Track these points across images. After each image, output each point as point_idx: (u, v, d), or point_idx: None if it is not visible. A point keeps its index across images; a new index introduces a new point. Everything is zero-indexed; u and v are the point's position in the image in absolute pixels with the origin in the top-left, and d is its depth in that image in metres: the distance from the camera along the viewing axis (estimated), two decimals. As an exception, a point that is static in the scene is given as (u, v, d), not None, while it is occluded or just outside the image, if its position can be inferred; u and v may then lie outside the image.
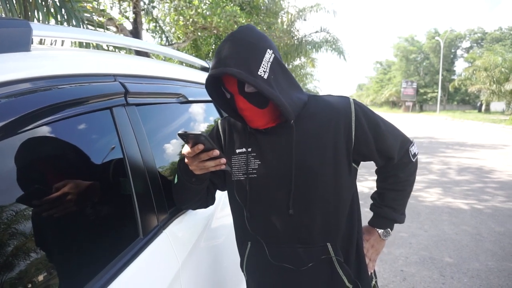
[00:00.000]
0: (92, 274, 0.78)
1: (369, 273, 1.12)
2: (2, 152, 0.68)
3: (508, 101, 23.09)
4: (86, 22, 3.65)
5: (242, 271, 1.14)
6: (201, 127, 1.62)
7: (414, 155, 1.12)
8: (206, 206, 1.17)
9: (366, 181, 6.16)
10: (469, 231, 3.91)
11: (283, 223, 1.01)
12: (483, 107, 36.52)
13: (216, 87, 1.03)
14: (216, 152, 0.88)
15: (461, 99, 44.96)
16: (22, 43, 0.80)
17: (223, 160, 0.90)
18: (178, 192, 1.08)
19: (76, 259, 0.78)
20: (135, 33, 6.66)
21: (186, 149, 0.90)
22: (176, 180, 1.06)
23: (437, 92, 38.01)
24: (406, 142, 1.10)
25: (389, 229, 1.17)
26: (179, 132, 0.85)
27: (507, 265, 3.08)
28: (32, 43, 0.81)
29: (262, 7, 9.71)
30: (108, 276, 0.79)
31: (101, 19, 5.51)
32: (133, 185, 0.97)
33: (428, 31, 47.26)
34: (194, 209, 1.20)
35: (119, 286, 0.79)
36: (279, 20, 10.27)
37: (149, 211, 1.01)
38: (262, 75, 0.91)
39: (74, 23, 3.14)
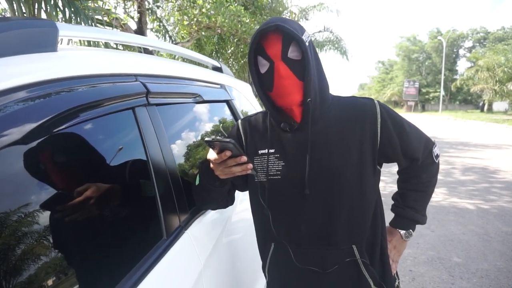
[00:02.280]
0: (120, 277, 0.77)
1: (392, 274, 1.11)
2: (32, 155, 0.67)
3: (511, 101, 23.03)
4: (95, 21, 3.65)
5: (264, 273, 1.12)
6: (217, 127, 1.62)
7: (437, 156, 1.11)
8: (225, 207, 1.17)
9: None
10: (476, 231, 3.90)
11: (308, 226, 1.00)
12: (486, 107, 36.45)
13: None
14: (244, 158, 0.87)
15: (464, 98, 44.87)
16: (49, 44, 0.79)
17: (250, 166, 0.89)
18: (200, 193, 1.07)
19: (104, 262, 0.78)
20: (140, 32, 6.65)
21: (213, 155, 0.89)
22: (197, 182, 1.05)
23: (439, 91, 37.93)
24: (429, 143, 1.10)
25: (411, 230, 1.16)
26: (207, 139, 0.84)
27: (516, 266, 3.07)
28: (60, 44, 0.81)
29: (266, 7, 9.71)
30: (136, 278, 0.79)
31: (106, 18, 5.52)
32: (156, 185, 0.97)
33: (430, 31, 47.18)
34: (214, 209, 1.20)
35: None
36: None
37: (171, 212, 1.01)
38: (306, 42, 0.93)
39: (83, 23, 3.14)
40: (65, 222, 0.72)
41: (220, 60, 10.82)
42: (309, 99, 0.95)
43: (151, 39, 1.32)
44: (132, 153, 0.97)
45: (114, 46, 3.87)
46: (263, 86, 0.98)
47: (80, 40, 3.25)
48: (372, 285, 1.00)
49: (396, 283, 1.12)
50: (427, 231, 3.84)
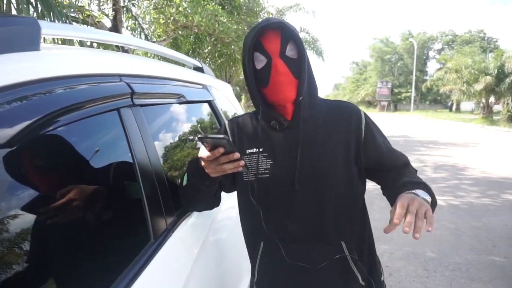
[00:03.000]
0: (108, 283, 0.76)
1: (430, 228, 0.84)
2: (14, 158, 0.65)
3: (477, 101, 24.07)
4: (70, 18, 3.53)
5: (253, 272, 1.12)
6: (195, 127, 1.61)
7: (415, 170, 1.12)
8: (212, 208, 1.16)
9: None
10: (448, 226, 4.06)
11: (297, 223, 1.01)
12: (454, 107, 37.95)
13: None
14: (237, 155, 0.87)
15: (433, 99, 46.50)
16: (31, 42, 0.77)
17: (242, 163, 0.89)
18: (188, 194, 1.06)
19: (91, 268, 0.76)
20: (115, 30, 6.48)
21: (205, 152, 0.89)
22: (185, 182, 1.04)
23: (411, 92, 39.16)
24: (406, 157, 1.12)
25: (424, 191, 0.92)
26: (200, 136, 0.83)
27: (485, 258, 3.22)
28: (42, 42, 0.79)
29: (243, 7, 9.71)
30: (125, 284, 0.77)
31: (80, 16, 5.35)
32: (143, 187, 0.95)
33: (402, 33, 48.70)
34: (200, 211, 1.19)
35: (135, 291, 0.78)
36: (260, 20, 10.28)
37: (158, 214, 0.99)
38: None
39: (56, 20, 3.03)
40: (47, 226, 0.70)
41: (197, 59, 10.71)
42: (301, 98, 0.98)
43: (137, 39, 1.30)
44: (118, 155, 0.95)
45: (89, 44, 3.75)
46: (257, 82, 1.00)
47: (53, 39, 3.14)
48: (360, 280, 1.03)
49: (382, 278, 1.15)
50: (402, 227, 3.96)
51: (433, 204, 0.95)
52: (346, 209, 1.02)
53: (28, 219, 0.65)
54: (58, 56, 0.85)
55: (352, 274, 1.02)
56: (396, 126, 19.33)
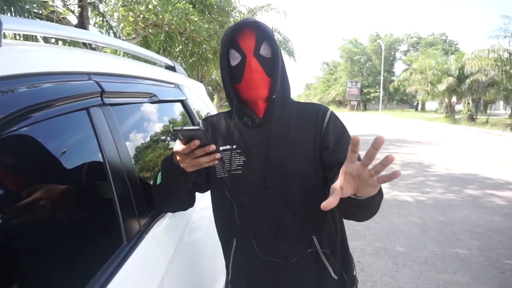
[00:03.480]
0: (80, 286, 0.73)
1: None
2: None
3: (440, 100, 25.19)
4: (33, 14, 3.36)
5: (228, 270, 1.13)
6: (167, 127, 1.59)
7: None
8: (186, 208, 1.15)
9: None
10: (416, 221, 4.22)
11: (269, 218, 1.03)
12: (419, 106, 39.52)
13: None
14: (213, 147, 0.86)
15: (400, 98, 48.21)
16: (-8, 38, 0.72)
17: (218, 155, 0.89)
18: (162, 193, 1.04)
19: (61, 271, 0.73)
20: (81, 27, 6.27)
21: (179, 146, 0.87)
22: (159, 181, 1.02)
23: (379, 92, 40.40)
24: None
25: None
26: (175, 128, 0.82)
27: (450, 251, 3.38)
28: (4, 38, 0.74)
29: (214, 6, 9.64)
30: (97, 287, 0.75)
31: (43, 11, 5.11)
32: (114, 189, 0.92)
33: (370, 34, 50.08)
34: (174, 211, 1.17)
35: (108, 296, 0.75)
36: (231, 19, 10.25)
37: (131, 216, 0.97)
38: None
39: (18, 15, 2.88)
40: (12, 227, 0.66)
41: (169, 58, 10.54)
42: (274, 96, 1.01)
43: (105, 37, 1.25)
44: (88, 155, 0.92)
45: (54, 41, 3.60)
46: (232, 78, 1.03)
47: (14, 35, 2.98)
48: (333, 274, 1.05)
49: (354, 272, 1.18)
50: (373, 224, 4.08)
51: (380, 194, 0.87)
52: (316, 205, 1.04)
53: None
54: (22, 52, 0.81)
55: (324, 268, 1.04)
56: (366, 125, 19.88)
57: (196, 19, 7.56)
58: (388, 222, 4.19)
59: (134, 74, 1.26)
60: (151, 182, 1.11)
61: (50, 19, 5.08)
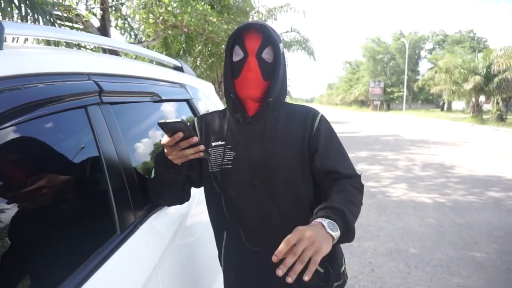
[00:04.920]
0: (69, 271, 0.78)
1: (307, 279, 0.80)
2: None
3: (467, 100, 24.35)
4: (54, 16, 3.51)
5: (220, 262, 1.19)
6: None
7: (362, 186, 1.07)
8: (181, 202, 1.20)
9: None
10: (432, 223, 4.13)
11: (257, 213, 1.08)
12: (445, 106, 38.35)
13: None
14: (196, 138, 0.91)
15: (425, 98, 46.92)
16: (-6, 42, 0.79)
17: (202, 147, 0.94)
18: (155, 185, 1.10)
19: (53, 256, 0.79)
20: (103, 30, 6.49)
21: (166, 138, 0.94)
22: (153, 175, 1.08)
23: (403, 91, 39.45)
24: (353, 169, 1.10)
25: (336, 224, 0.87)
26: (160, 121, 0.87)
27: (466, 254, 3.29)
28: (5, 42, 0.81)
29: (233, 7, 9.74)
30: (85, 273, 0.80)
31: (66, 14, 5.33)
32: (110, 182, 0.98)
33: (393, 33, 49.01)
34: (169, 205, 1.22)
35: (97, 282, 0.80)
36: (250, 20, 10.32)
37: (125, 208, 1.02)
38: (281, 49, 1.07)
39: (40, 17, 3.02)
40: (15, 214, 0.72)
41: (188, 59, 10.72)
42: (270, 99, 1.06)
43: (104, 38, 1.32)
44: (85, 151, 0.98)
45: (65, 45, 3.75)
46: (231, 72, 1.09)
47: (35, 39, 3.13)
48: (318, 267, 1.07)
49: (342, 268, 1.19)
50: (387, 225, 4.03)
51: (346, 234, 0.90)
52: (303, 197, 1.09)
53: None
54: (22, 54, 0.88)
55: (308, 261, 1.06)
56: (388, 126, 19.50)
57: (214, 20, 7.67)
58: (403, 223, 4.12)
59: (135, 74, 1.32)
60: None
61: (71, 21, 5.26)
